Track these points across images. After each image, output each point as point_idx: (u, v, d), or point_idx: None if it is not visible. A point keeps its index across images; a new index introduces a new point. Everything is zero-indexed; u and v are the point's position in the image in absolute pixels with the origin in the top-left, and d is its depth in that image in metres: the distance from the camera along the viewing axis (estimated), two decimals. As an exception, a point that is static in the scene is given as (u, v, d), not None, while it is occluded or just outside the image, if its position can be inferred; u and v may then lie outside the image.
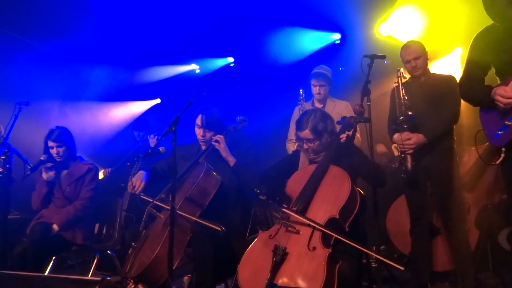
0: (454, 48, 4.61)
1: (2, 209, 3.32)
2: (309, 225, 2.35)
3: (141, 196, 3.11)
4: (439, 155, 3.11)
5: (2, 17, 4.88)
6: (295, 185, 2.58)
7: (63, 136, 3.54)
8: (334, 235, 2.32)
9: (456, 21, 4.34)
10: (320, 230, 2.32)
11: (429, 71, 3.29)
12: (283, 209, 2.46)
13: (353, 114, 2.81)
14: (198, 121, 3.31)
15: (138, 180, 3.13)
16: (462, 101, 3.05)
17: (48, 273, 3.33)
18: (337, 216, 2.36)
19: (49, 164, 3.51)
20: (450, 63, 4.61)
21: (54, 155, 3.52)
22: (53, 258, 3.47)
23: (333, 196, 2.42)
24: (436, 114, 3.10)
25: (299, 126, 2.69)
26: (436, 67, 4.49)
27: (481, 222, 3.58)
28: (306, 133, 2.65)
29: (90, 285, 2.01)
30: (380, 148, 4.74)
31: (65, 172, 3.60)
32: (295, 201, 2.48)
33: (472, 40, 2.62)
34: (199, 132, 3.33)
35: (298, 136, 2.72)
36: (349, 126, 2.64)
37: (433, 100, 3.13)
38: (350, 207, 2.42)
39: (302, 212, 2.43)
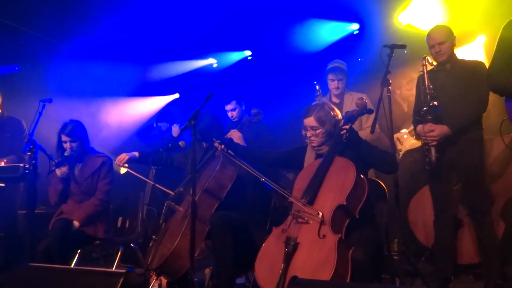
0: (478, 36, 4.47)
1: (29, 204, 3.41)
2: (317, 214, 2.40)
3: (127, 169, 3.38)
4: (466, 146, 3.00)
5: (23, 16, 4.99)
6: (303, 179, 2.66)
7: (76, 130, 3.50)
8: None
9: (479, 8, 4.20)
10: (323, 221, 2.37)
11: (456, 57, 3.14)
12: (291, 199, 2.56)
13: (369, 106, 2.85)
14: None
15: (123, 154, 3.41)
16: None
17: (74, 266, 3.41)
18: (345, 203, 2.40)
19: (59, 159, 3.48)
20: (473, 51, 4.48)
21: (68, 149, 3.49)
22: (79, 251, 3.54)
23: (339, 184, 2.48)
24: (465, 102, 2.97)
25: (306, 113, 2.79)
26: (460, 55, 4.36)
27: (507, 214, 3.50)
28: (311, 119, 2.74)
29: (115, 277, 2.04)
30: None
31: (79, 166, 3.58)
32: (303, 193, 2.55)
33: (502, 28, 2.53)
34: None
35: (303, 124, 2.80)
36: (352, 119, 2.68)
37: (461, 87, 3.00)
38: (357, 194, 2.46)
39: (310, 202, 2.50)
